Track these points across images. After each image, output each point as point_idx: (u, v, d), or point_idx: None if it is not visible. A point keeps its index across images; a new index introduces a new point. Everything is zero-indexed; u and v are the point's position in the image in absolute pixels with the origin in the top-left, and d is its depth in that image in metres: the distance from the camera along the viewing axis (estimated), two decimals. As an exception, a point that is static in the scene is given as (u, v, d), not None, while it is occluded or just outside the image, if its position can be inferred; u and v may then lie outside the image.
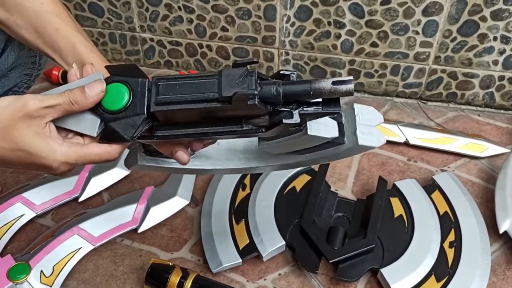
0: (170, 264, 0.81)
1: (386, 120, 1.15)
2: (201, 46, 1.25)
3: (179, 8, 1.20)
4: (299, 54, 1.20)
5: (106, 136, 0.54)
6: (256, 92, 0.48)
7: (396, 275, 0.81)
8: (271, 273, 0.87)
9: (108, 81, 0.54)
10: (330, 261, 0.83)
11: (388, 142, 1.10)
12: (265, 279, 0.86)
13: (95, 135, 0.54)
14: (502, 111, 1.19)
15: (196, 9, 1.19)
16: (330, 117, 0.54)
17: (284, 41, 1.18)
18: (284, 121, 0.50)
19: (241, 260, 0.85)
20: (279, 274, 0.87)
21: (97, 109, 0.53)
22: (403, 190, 0.95)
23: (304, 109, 0.50)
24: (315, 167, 1.00)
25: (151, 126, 0.54)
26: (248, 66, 0.49)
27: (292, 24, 1.15)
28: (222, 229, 0.89)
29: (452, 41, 1.10)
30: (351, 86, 0.48)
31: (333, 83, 0.48)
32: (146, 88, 0.53)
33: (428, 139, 1.09)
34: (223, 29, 1.20)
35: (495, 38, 1.08)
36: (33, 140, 0.52)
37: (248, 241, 0.87)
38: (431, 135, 1.10)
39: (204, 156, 0.67)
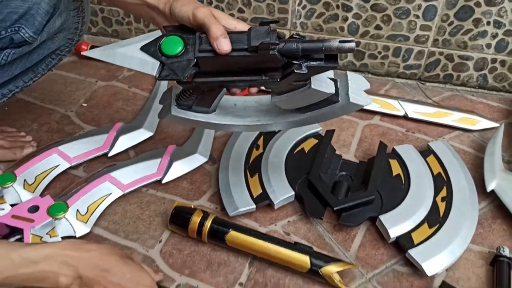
0: (192, 206, 0.91)
1: (387, 96, 1.25)
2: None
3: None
4: (309, 35, 1.31)
5: (164, 75, 0.67)
6: (277, 42, 0.62)
7: (393, 221, 0.91)
8: (281, 220, 0.97)
9: (167, 34, 0.69)
10: (334, 209, 0.93)
11: (389, 115, 1.21)
12: (275, 225, 0.96)
13: (155, 74, 0.67)
14: (494, 92, 1.30)
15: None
16: (329, 78, 0.71)
17: (295, 23, 1.29)
18: (296, 71, 0.64)
19: (255, 206, 0.95)
20: (288, 221, 0.96)
21: (157, 53, 0.68)
22: (401, 153, 1.05)
23: (311, 63, 0.64)
24: (322, 132, 1.10)
25: (197, 71, 0.67)
26: (270, 25, 0.65)
27: (304, 7, 1.26)
28: (238, 181, 0.99)
29: (449, 25, 1.20)
30: (353, 44, 0.61)
31: (340, 41, 0.61)
32: (196, 41, 0.67)
33: (426, 113, 1.19)
34: (240, 10, 1.30)
35: (488, 23, 1.18)
36: None
37: (261, 191, 0.97)
38: (429, 109, 1.20)
39: (224, 113, 0.81)
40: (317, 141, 1.09)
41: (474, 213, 0.95)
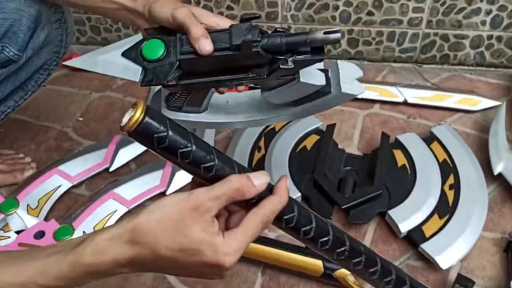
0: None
1: (386, 83, 1.23)
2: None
3: (186, -9, 1.28)
4: (301, 27, 1.28)
5: (147, 81, 0.65)
6: (259, 39, 0.60)
7: (402, 215, 0.91)
8: (289, 222, 0.96)
9: (147, 37, 0.66)
10: (342, 207, 0.93)
11: (389, 102, 1.19)
12: (284, 228, 0.95)
13: (137, 80, 0.65)
14: (492, 69, 1.28)
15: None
16: (318, 69, 0.69)
17: (286, 16, 1.27)
18: (281, 66, 0.62)
19: (262, 211, 0.94)
20: (297, 223, 0.96)
21: (139, 59, 0.66)
22: (404, 143, 1.04)
23: (297, 57, 0.62)
24: (323, 127, 1.09)
25: (181, 74, 0.65)
26: (252, 21, 0.62)
27: (293, -1, 1.23)
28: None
29: (442, 5, 1.18)
30: (338, 35, 0.59)
31: (324, 33, 0.59)
32: (177, 43, 0.64)
33: (425, 97, 1.18)
34: (229, 7, 1.28)
35: (481, 0, 1.16)
36: (202, 237, 0.44)
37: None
38: (428, 93, 1.18)
39: (215, 111, 0.79)
40: (318, 137, 1.08)
41: (484, 198, 0.95)
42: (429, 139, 1.06)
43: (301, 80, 0.66)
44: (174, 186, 1.01)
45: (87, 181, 1.06)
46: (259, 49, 0.60)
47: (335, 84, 0.72)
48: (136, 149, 1.10)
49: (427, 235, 0.88)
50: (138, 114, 0.42)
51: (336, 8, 1.23)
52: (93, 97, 1.29)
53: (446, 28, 1.22)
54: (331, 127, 1.07)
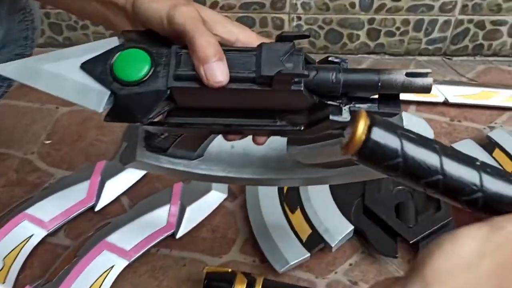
0: (229, 270, 0.68)
1: (418, 80, 1.05)
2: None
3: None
4: (313, 17, 1.07)
5: (114, 114, 0.41)
6: (306, 73, 0.39)
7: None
8: (340, 264, 0.75)
9: (125, 45, 0.42)
10: (411, 242, 0.73)
11: (426, 103, 1.00)
12: (335, 273, 0.74)
13: (100, 110, 0.41)
14: (530, 59, 1.13)
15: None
16: None
17: (295, 4, 1.05)
18: (331, 117, 0.41)
19: (309, 254, 0.73)
20: (350, 265, 0.75)
21: (107, 77, 0.41)
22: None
23: (356, 105, 0.42)
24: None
25: (171, 108, 0.43)
26: (295, 41, 0.41)
27: (305, -16, 1.02)
28: (277, 221, 0.77)
29: (480, -14, 1.01)
30: (429, 80, 0.39)
31: (407, 74, 0.39)
32: (172, 59, 0.41)
33: (469, 95, 1.00)
34: (227, -4, 1.05)
35: (526, -21, 1.00)
36: None
37: (311, 231, 0.75)
38: (471, 90, 1.01)
39: (214, 159, 0.57)
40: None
41: None
42: (489, 146, 0.88)
43: None
44: (185, 226, 0.78)
45: (66, 227, 0.81)
46: (302, 88, 0.39)
47: None
48: (127, 178, 0.86)
49: None
50: (362, 126, 0.31)
51: (356, -7, 1.03)
52: (60, 112, 1.03)
53: (483, 13, 1.05)
54: (371, 137, 0.87)
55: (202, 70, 0.39)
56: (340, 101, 0.41)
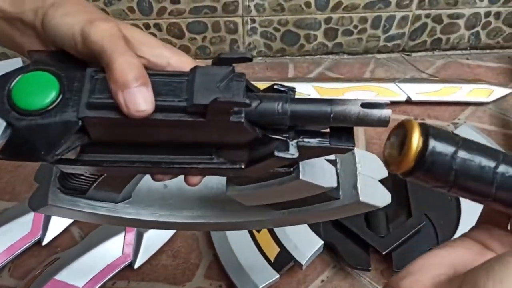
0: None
1: (379, 79, 1.02)
2: (147, 26, 1.03)
3: (113, -17, 0.97)
4: (268, 19, 1.03)
5: (11, 150, 0.34)
6: (247, 102, 0.32)
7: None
8: (311, 282, 0.71)
9: (30, 67, 0.35)
10: (384, 253, 0.69)
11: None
12: (308, 291, 0.70)
13: None
14: (488, 51, 1.11)
15: (135, -19, 0.97)
16: (327, 160, 0.42)
17: (248, 6, 1.00)
18: (276, 153, 0.35)
19: (278, 276, 0.68)
20: (322, 281, 0.71)
21: (3, 105, 0.34)
22: (430, 153, 0.83)
23: (305, 140, 0.35)
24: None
25: (85, 143, 0.35)
26: (234, 64, 0.34)
27: (256, -15, 0.97)
28: (243, 241, 0.72)
29: (436, -20, 0.98)
30: (388, 113, 0.33)
31: (363, 105, 0.33)
32: (86, 84, 0.34)
33: (431, 92, 0.98)
34: (173, 1, 0.99)
35: (480, -29, 0.98)
36: None
37: (279, 250, 0.70)
38: (433, 87, 0.98)
39: (143, 202, 0.49)
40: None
41: None
42: (455, 144, 0.86)
43: (301, 177, 0.39)
44: (143, 255, 0.72)
45: (11, 265, 0.73)
46: (242, 119, 0.33)
47: (349, 187, 0.45)
48: (77, 205, 0.78)
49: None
50: (417, 137, 0.29)
51: (311, -8, 0.99)
52: None
53: (440, 7, 1.03)
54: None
55: (121, 97, 0.32)
56: (287, 135, 0.35)
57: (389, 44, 1.09)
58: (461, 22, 1.06)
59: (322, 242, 0.71)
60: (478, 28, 1.07)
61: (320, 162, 0.41)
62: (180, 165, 0.38)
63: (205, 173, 0.41)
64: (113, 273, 0.70)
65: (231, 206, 0.48)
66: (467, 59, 1.10)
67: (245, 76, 0.34)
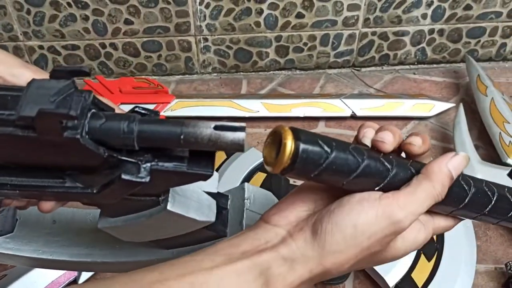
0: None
1: (327, 95, 1.06)
2: (103, 46, 1.07)
3: (69, 4, 1.00)
4: (220, 38, 1.07)
5: None
6: (73, 114, 0.29)
7: (386, 265, 0.74)
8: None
9: None
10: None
11: (334, 118, 1.02)
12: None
13: None
14: (434, 65, 1.16)
15: (90, 3, 1.00)
16: (206, 192, 0.41)
17: (200, 26, 1.04)
18: (123, 176, 0.33)
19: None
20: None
21: None
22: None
23: (159, 163, 0.34)
24: (268, 161, 0.89)
25: None
26: (75, 78, 0.32)
27: (207, 6, 1.01)
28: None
29: (379, 0, 1.03)
30: (241, 136, 0.32)
31: (216, 127, 0.32)
32: None
33: (375, 107, 1.02)
34: (127, 22, 1.03)
35: (421, -9, 1.03)
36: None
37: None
38: (377, 102, 1.03)
39: (27, 237, 0.46)
40: (265, 174, 0.88)
41: (468, 224, 0.81)
42: (393, 159, 0.90)
43: (169, 208, 0.37)
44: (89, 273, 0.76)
45: (-39, 282, 0.76)
46: (77, 136, 0.31)
47: (236, 223, 0.44)
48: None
49: (420, 285, 0.72)
50: (290, 142, 0.32)
51: (260, 12, 1.03)
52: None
53: (385, 25, 1.08)
54: (278, 159, 0.87)
55: None
56: (142, 158, 0.33)
57: (339, 60, 1.14)
58: (406, 39, 1.11)
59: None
60: (424, 44, 1.12)
61: (199, 195, 0.40)
62: (28, 189, 0.35)
63: (57, 198, 0.38)
64: (61, 286, 0.73)
65: (121, 245, 0.46)
66: (414, 73, 1.15)
67: (92, 94, 0.32)
